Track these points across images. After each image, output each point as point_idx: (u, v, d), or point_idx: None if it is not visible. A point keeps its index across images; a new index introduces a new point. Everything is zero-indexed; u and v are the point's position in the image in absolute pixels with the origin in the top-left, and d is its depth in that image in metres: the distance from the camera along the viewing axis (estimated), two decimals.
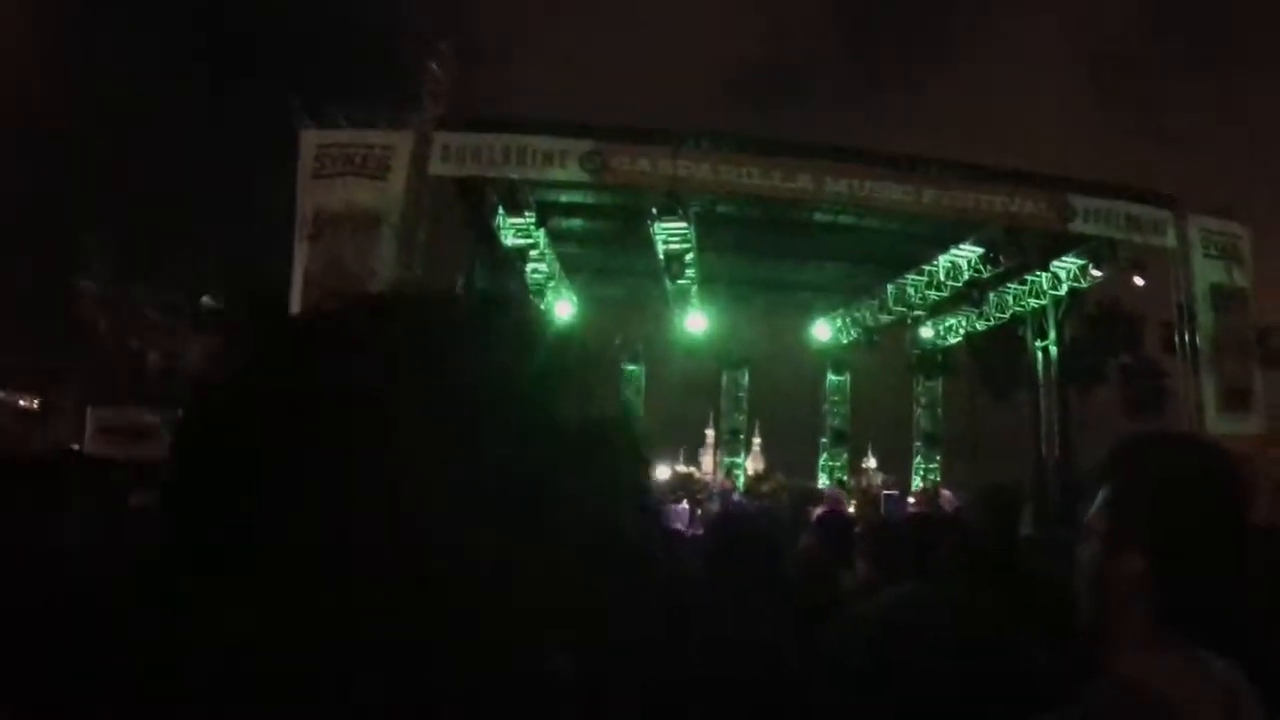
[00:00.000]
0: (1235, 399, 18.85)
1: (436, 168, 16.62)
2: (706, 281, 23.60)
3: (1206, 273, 19.05)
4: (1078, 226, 19.51)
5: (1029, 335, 25.57)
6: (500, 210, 19.63)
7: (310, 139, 16.38)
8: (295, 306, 15.70)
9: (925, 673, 2.34)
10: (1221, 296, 19.07)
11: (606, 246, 23.76)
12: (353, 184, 16.03)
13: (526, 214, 19.74)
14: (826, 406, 31.94)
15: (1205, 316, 18.90)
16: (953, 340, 29.76)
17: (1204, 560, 1.89)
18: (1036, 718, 1.90)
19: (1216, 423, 18.56)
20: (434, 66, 16.64)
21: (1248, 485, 2.04)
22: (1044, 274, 23.16)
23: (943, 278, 23.69)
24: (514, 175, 17.85)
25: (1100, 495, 2.02)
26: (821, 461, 31.66)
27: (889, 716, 2.32)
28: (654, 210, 19.26)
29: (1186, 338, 19.08)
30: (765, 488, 26.30)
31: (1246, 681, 1.86)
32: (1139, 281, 21.09)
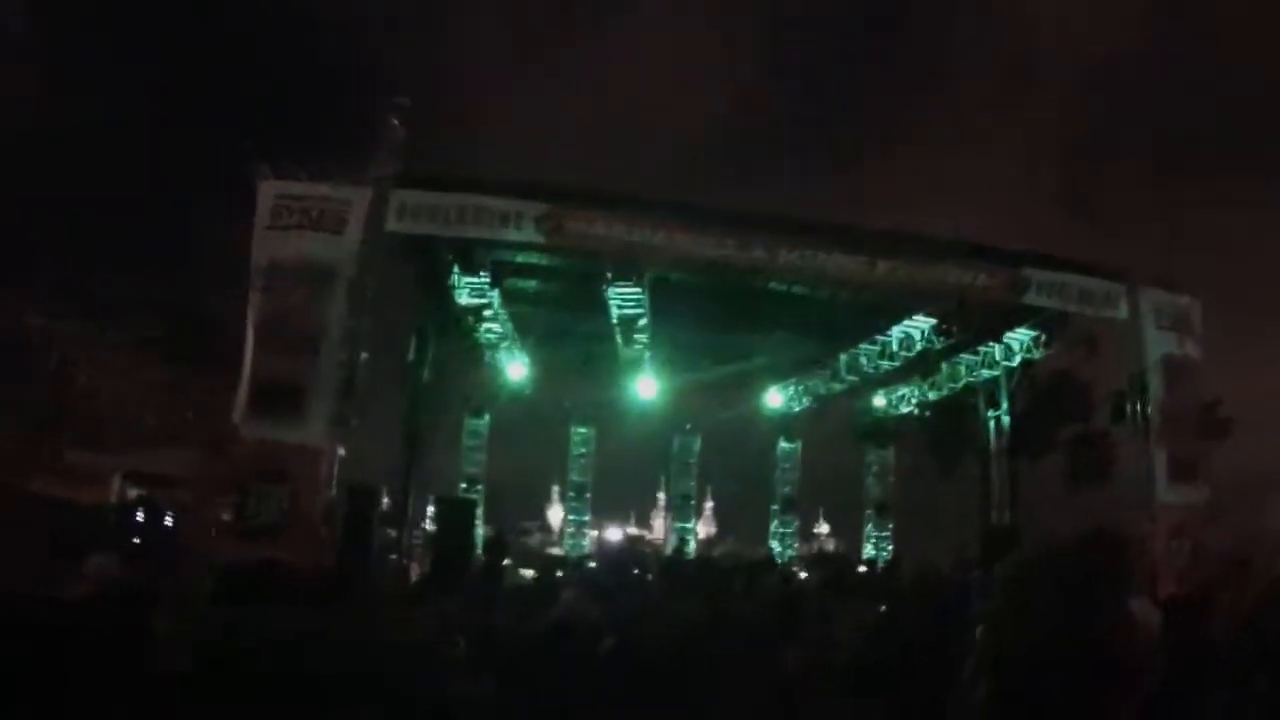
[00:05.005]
0: (1184, 470, 18.86)
1: (392, 224, 16.53)
2: (659, 346, 23.55)
3: (1158, 344, 19.09)
4: (1031, 299, 19.55)
5: (981, 405, 25.63)
6: (455, 269, 19.56)
7: (268, 190, 16.22)
8: (247, 357, 15.60)
9: None
10: (1172, 368, 19.08)
11: (560, 309, 23.70)
12: (308, 237, 15.89)
13: (481, 273, 19.67)
14: (778, 473, 31.95)
15: (1156, 388, 18.93)
16: (904, 409, 29.76)
17: None
18: None
19: (1166, 493, 18.59)
20: (394, 121, 16.57)
21: None
22: (997, 345, 23.24)
23: (895, 348, 23.69)
24: (469, 235, 17.78)
25: None
26: (772, 527, 31.61)
27: None
28: (609, 274, 19.24)
29: (1138, 409, 19.11)
30: (717, 552, 26.33)
31: None
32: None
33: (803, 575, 27.19)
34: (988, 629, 2.29)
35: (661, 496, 41.39)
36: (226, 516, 14.94)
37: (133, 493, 24.09)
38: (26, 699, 2.69)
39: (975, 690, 2.25)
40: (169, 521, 19.77)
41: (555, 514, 58.36)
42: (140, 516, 20.23)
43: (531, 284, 22.40)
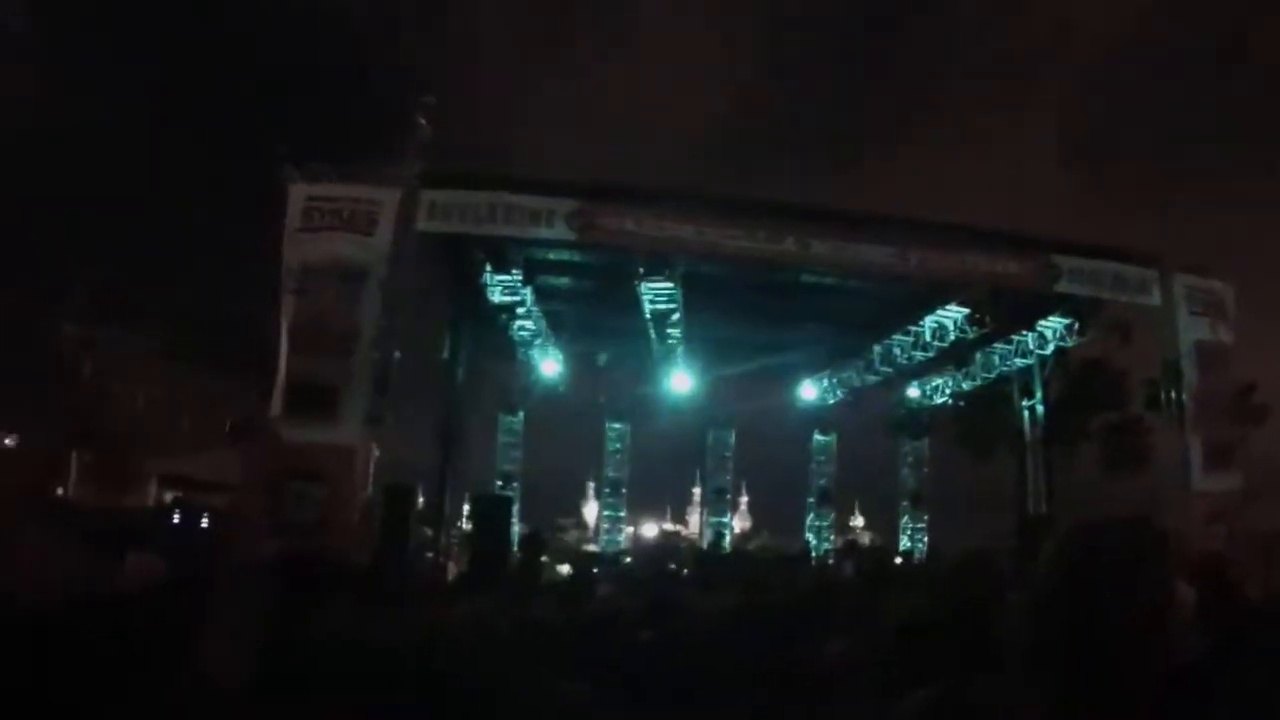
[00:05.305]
0: (1219, 457, 18.73)
1: (423, 224, 16.57)
2: (692, 341, 23.56)
3: (1192, 330, 18.96)
4: (1063, 287, 19.46)
5: (1015, 395, 25.54)
6: (487, 267, 19.62)
7: (299, 192, 16.20)
8: (281, 358, 15.66)
9: None
10: (1206, 354, 18.95)
11: (593, 305, 23.77)
12: (340, 238, 15.90)
13: (514, 271, 19.73)
14: (813, 466, 31.79)
15: (1190, 374, 18.81)
16: (939, 400, 29.67)
17: None
18: None
19: (1202, 481, 18.49)
20: (421, 121, 16.61)
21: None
22: (1030, 334, 23.14)
23: (929, 338, 23.61)
24: (501, 233, 17.83)
25: None
26: (808, 521, 31.54)
27: None
28: (641, 269, 19.25)
29: (1172, 396, 19.01)
30: (753, 546, 26.37)
31: None
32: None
33: (839, 567, 27.29)
34: (1028, 608, 2.31)
35: (696, 491, 41.40)
36: (263, 518, 14.98)
37: (169, 496, 24.29)
38: (70, 696, 2.75)
39: (1016, 670, 2.27)
40: (205, 523, 19.90)
41: (591, 510, 58.54)
42: (176, 519, 20.37)
43: (564, 281, 22.47)
